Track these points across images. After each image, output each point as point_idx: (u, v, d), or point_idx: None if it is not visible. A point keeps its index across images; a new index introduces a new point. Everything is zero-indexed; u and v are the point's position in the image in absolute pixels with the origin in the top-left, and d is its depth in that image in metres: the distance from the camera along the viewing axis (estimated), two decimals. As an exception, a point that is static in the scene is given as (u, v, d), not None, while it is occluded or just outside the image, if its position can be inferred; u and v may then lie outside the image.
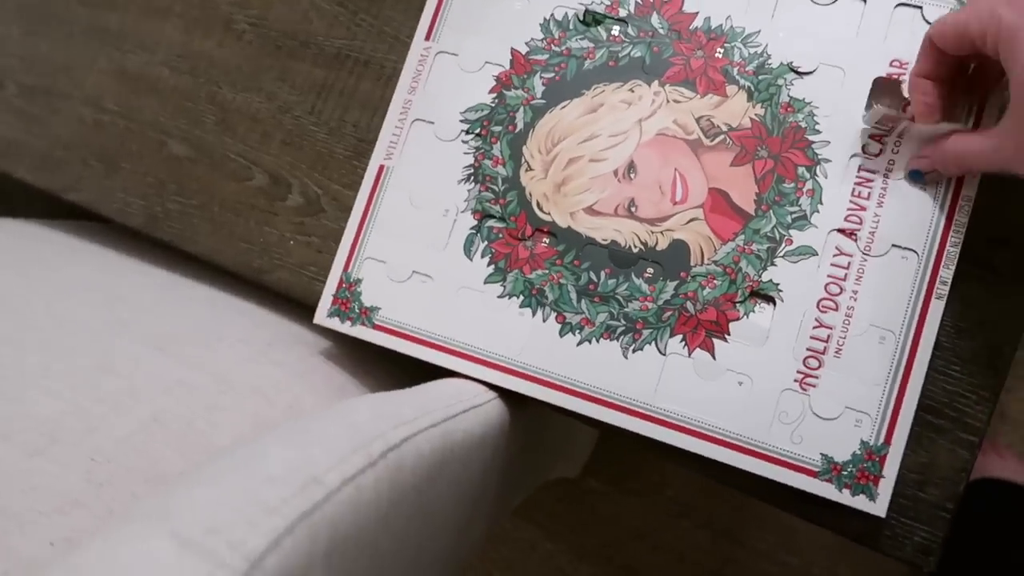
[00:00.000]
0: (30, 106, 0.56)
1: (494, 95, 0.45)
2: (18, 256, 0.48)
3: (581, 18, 0.45)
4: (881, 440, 0.38)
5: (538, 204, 0.44)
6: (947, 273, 0.39)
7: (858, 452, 0.38)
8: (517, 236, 0.44)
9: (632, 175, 0.43)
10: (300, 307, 0.49)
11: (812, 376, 0.39)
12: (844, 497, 0.38)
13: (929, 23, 0.40)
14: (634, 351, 0.41)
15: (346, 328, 0.45)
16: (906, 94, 0.40)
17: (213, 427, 0.37)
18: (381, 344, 0.44)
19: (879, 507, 0.38)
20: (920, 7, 0.41)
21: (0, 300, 0.40)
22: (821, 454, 0.38)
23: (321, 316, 0.45)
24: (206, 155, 0.51)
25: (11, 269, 0.45)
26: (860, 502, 0.38)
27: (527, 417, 0.48)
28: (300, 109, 0.50)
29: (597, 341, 0.42)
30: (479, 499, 0.45)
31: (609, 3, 0.45)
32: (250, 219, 0.50)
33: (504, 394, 0.43)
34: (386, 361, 0.51)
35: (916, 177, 0.39)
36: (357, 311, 0.45)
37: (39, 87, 0.56)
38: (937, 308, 0.38)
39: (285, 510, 0.21)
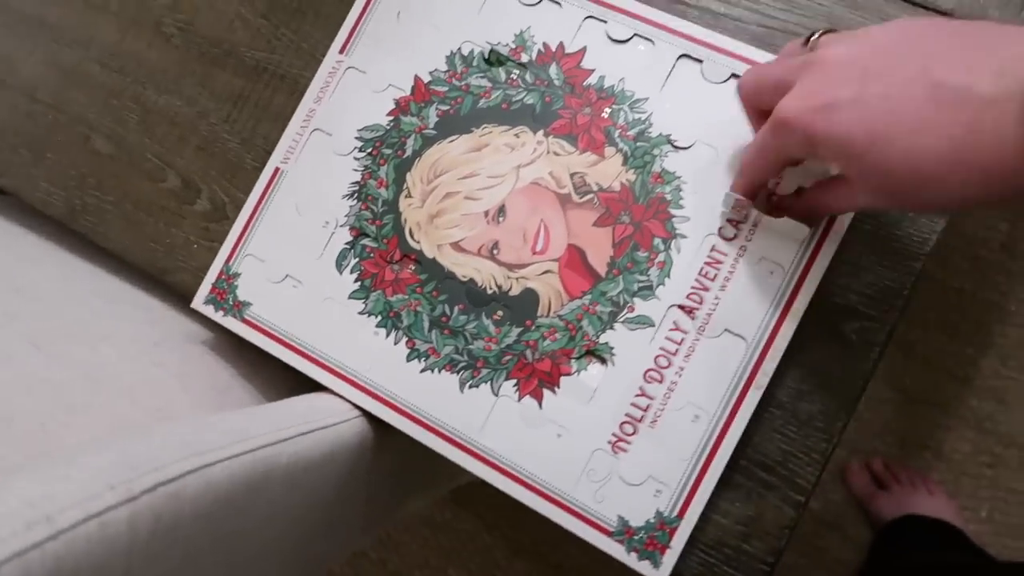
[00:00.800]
0: (-33, 91, 0.58)
1: (391, 118, 0.47)
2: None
3: (486, 56, 0.46)
4: (675, 513, 0.40)
5: (411, 231, 0.45)
6: (770, 366, 0.40)
7: (652, 520, 0.40)
8: (386, 258, 0.45)
9: (501, 218, 0.44)
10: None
11: (625, 441, 0.41)
12: (631, 560, 0.40)
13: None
14: (470, 387, 0.43)
15: (218, 317, 0.47)
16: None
17: (65, 428, 0.38)
18: (247, 338, 0.47)
19: (661, 574, 0.39)
20: None
21: None
22: (618, 516, 0.40)
23: (198, 302, 0.48)
24: (126, 153, 0.54)
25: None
26: (644, 567, 0.40)
27: (392, 441, 0.49)
28: (216, 116, 0.52)
29: (439, 372, 0.44)
30: (332, 511, 0.47)
31: (514, 47, 0.46)
32: (160, 220, 0.52)
33: (369, 417, 0.45)
34: (276, 368, 0.53)
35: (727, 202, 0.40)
36: (231, 303, 0.47)
37: (-23, 73, 0.58)
38: (753, 397, 0.40)
39: (2, 547, 0.23)
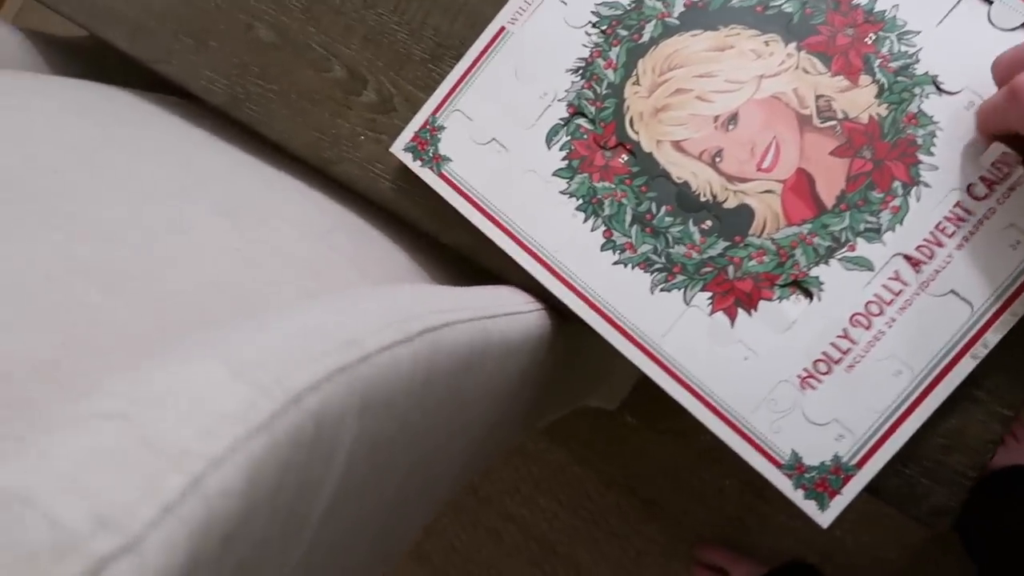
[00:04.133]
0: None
1: (634, -1, 0.45)
2: (104, 116, 0.48)
3: (751, -47, 0.43)
4: (854, 461, 0.39)
5: (631, 120, 0.44)
6: (993, 338, 0.38)
7: (827, 463, 0.39)
8: (600, 143, 0.44)
9: (731, 126, 0.42)
10: (364, 202, 0.50)
11: (815, 378, 0.39)
12: (796, 496, 0.39)
13: None
14: (662, 290, 0.42)
15: (415, 167, 0.47)
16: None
17: (265, 297, 0.38)
18: (439, 192, 0.46)
19: (825, 519, 0.39)
20: None
21: (82, 153, 0.41)
22: (793, 450, 0.39)
23: (398, 147, 0.47)
24: (290, 42, 0.52)
25: (98, 126, 0.45)
26: (810, 507, 0.39)
27: (568, 336, 0.49)
28: (384, 7, 0.50)
29: (632, 268, 0.43)
30: (512, 402, 0.48)
31: (784, -52, 0.43)
32: (325, 110, 0.51)
33: (548, 310, 0.45)
34: (445, 260, 0.53)
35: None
36: (431, 155, 0.46)
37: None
38: (967, 366, 0.38)
39: (326, 360, 0.23)
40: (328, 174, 0.51)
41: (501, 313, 0.40)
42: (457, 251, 0.48)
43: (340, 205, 0.52)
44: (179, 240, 0.37)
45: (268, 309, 0.36)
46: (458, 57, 0.48)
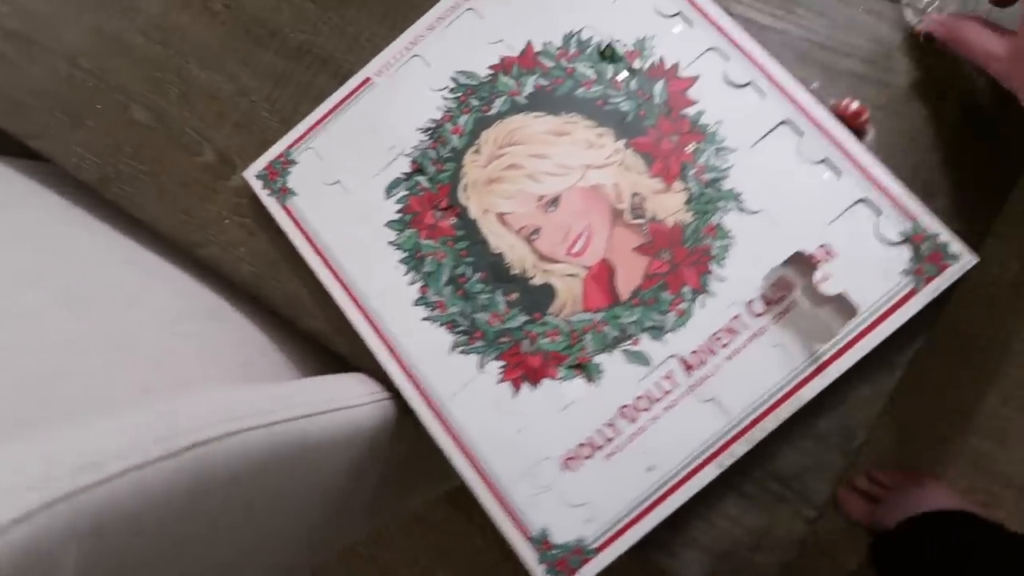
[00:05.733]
0: (9, 51, 0.57)
1: (491, 72, 0.47)
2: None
3: (602, 49, 0.46)
4: (595, 546, 0.40)
5: (465, 186, 0.46)
6: (739, 449, 0.40)
7: (571, 543, 0.41)
8: (433, 203, 0.46)
9: (552, 208, 0.44)
10: (227, 285, 0.52)
11: (578, 460, 0.42)
12: (539, 570, 0.41)
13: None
14: (460, 352, 0.44)
15: (263, 195, 0.49)
16: (815, 279, 0.40)
17: (90, 391, 0.37)
18: (280, 224, 0.48)
19: None
20: (878, 214, 0.40)
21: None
22: (543, 527, 0.41)
23: (250, 174, 0.49)
24: (164, 125, 0.54)
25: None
26: None
27: (407, 431, 0.49)
28: (257, 95, 0.52)
29: (438, 326, 0.45)
30: (349, 495, 0.48)
31: (632, 50, 0.45)
32: (194, 193, 0.53)
33: (395, 399, 0.46)
34: (297, 345, 0.54)
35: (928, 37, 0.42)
36: (279, 187, 0.49)
37: (21, 33, 0.57)
38: (710, 473, 0.40)
39: (47, 488, 0.24)
40: (193, 256, 0.52)
41: (328, 409, 0.41)
42: (313, 338, 0.50)
43: (205, 287, 0.53)
44: (10, 329, 0.38)
45: (92, 403, 0.37)
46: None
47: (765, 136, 0.43)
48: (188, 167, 0.53)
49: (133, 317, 0.45)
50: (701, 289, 0.42)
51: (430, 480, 0.66)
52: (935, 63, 0.44)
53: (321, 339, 0.49)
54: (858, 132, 0.43)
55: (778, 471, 0.42)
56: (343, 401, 0.43)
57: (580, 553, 0.40)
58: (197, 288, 0.53)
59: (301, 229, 0.48)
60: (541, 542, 0.41)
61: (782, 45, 0.45)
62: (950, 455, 1.06)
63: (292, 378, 0.51)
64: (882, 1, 0.45)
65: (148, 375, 0.41)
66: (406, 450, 0.52)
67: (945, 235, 0.40)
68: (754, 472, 0.42)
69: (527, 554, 0.41)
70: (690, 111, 0.44)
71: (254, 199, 0.50)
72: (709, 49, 0.44)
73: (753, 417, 0.40)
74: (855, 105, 0.43)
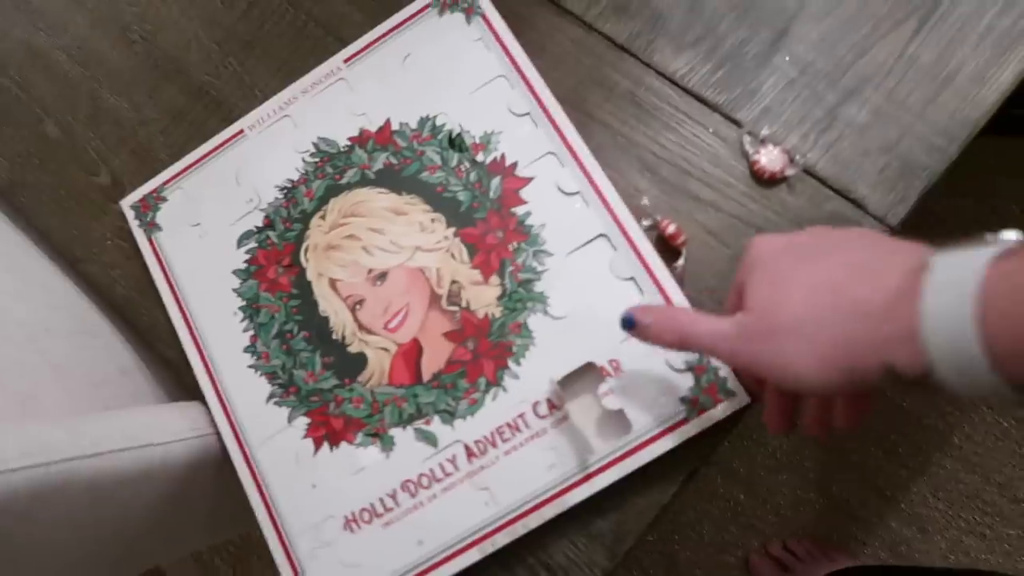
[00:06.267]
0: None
1: (349, 143, 0.49)
2: None
3: (452, 137, 0.48)
4: None
5: (307, 248, 0.49)
6: (502, 540, 0.42)
7: (337, 599, 0.43)
8: (277, 259, 0.49)
9: (379, 283, 0.47)
10: (106, 304, 0.55)
11: (358, 523, 0.44)
12: None
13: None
14: (275, 403, 0.47)
15: (134, 225, 0.52)
16: (600, 391, 0.42)
17: None
18: (144, 255, 0.51)
19: None
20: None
21: None
22: (317, 578, 0.44)
23: (126, 203, 0.53)
24: (71, 142, 0.57)
25: None
26: None
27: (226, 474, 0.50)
28: (156, 127, 0.56)
29: (260, 374, 0.48)
30: (151, 527, 0.50)
31: (478, 142, 0.47)
32: (86, 211, 0.56)
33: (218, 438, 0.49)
34: (157, 370, 0.57)
35: (627, 324, 0.37)
36: (148, 220, 0.52)
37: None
38: (471, 557, 0.42)
39: None
40: (75, 270, 0.56)
41: (125, 447, 0.43)
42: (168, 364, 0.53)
43: (81, 299, 0.56)
44: None
45: None
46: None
47: (583, 246, 0.45)
48: (85, 186, 0.57)
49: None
50: (496, 383, 0.44)
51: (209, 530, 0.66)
52: (765, 203, 0.45)
53: (172, 368, 0.52)
54: (675, 252, 0.45)
55: (550, 561, 0.44)
56: (157, 437, 0.46)
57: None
58: (75, 302, 0.56)
59: (160, 263, 0.51)
60: None
61: (628, 153, 0.47)
62: (870, 537, 1.07)
63: (148, 400, 0.54)
64: (730, 127, 0.47)
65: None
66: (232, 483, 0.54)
67: (725, 371, 0.41)
68: (528, 559, 0.44)
69: None
70: (519, 210, 0.46)
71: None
72: (548, 153, 0.46)
73: (520, 512, 0.42)
74: (672, 228, 0.44)
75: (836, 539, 1.08)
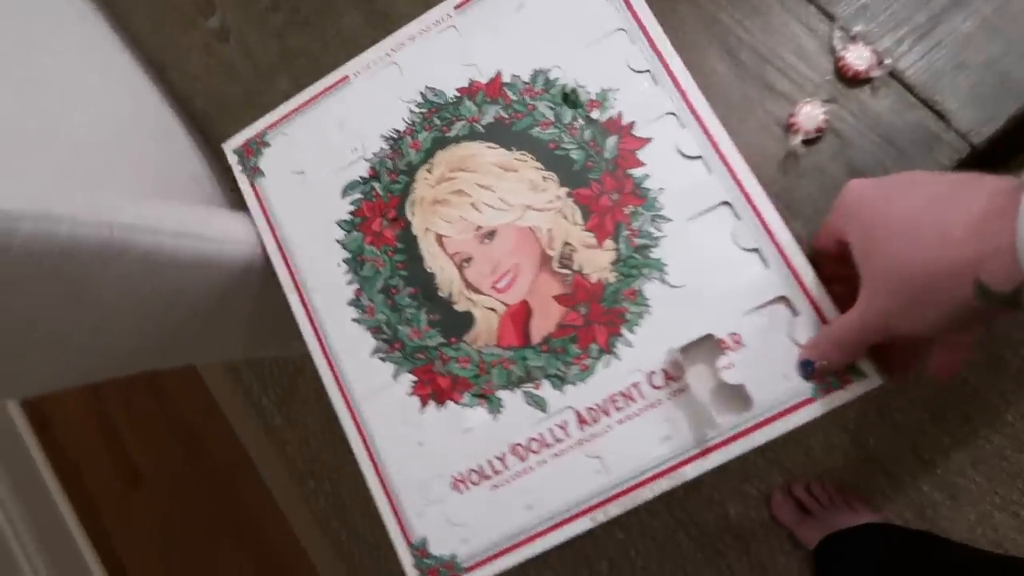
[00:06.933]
0: None
1: (458, 95, 0.48)
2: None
3: (566, 92, 0.46)
4: (467, 565, 0.44)
5: (413, 202, 0.47)
6: (614, 510, 0.42)
7: (445, 557, 0.44)
8: (382, 212, 0.48)
9: (487, 241, 0.46)
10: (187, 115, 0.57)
11: (465, 484, 0.44)
12: (412, 572, 0.44)
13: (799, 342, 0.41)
14: (379, 358, 0.47)
15: (236, 170, 0.51)
16: (719, 364, 0.41)
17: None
18: (247, 201, 0.51)
19: None
20: (795, 315, 0.41)
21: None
22: (424, 536, 0.44)
23: (229, 147, 0.52)
24: None
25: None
26: None
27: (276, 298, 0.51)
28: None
29: (364, 329, 0.47)
30: (190, 320, 0.52)
31: (594, 99, 0.45)
32: (177, 23, 0.57)
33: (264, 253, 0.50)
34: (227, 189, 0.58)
35: (806, 368, 0.40)
36: (251, 166, 0.51)
37: None
38: (582, 525, 0.42)
39: None
40: (163, 77, 0.57)
41: (197, 234, 0.45)
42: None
43: (170, 110, 0.58)
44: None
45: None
46: (297, 23, 0.53)
47: (703, 213, 0.43)
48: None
49: (77, 109, 0.50)
50: (608, 350, 0.43)
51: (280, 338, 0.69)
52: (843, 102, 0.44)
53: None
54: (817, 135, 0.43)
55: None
56: (214, 234, 0.47)
57: (451, 568, 0.44)
58: (158, 107, 0.57)
59: (264, 210, 0.50)
60: (419, 549, 0.44)
61: (709, 32, 0.45)
62: (898, 495, 1.06)
63: (205, 200, 0.56)
64: (823, 20, 0.44)
65: (69, 161, 0.45)
66: (273, 313, 0.54)
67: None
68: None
69: (405, 557, 0.45)
70: (636, 172, 0.44)
71: (224, 43, 0.56)
72: (669, 113, 0.44)
73: (634, 483, 0.42)
74: (823, 116, 0.43)
75: (862, 490, 1.07)
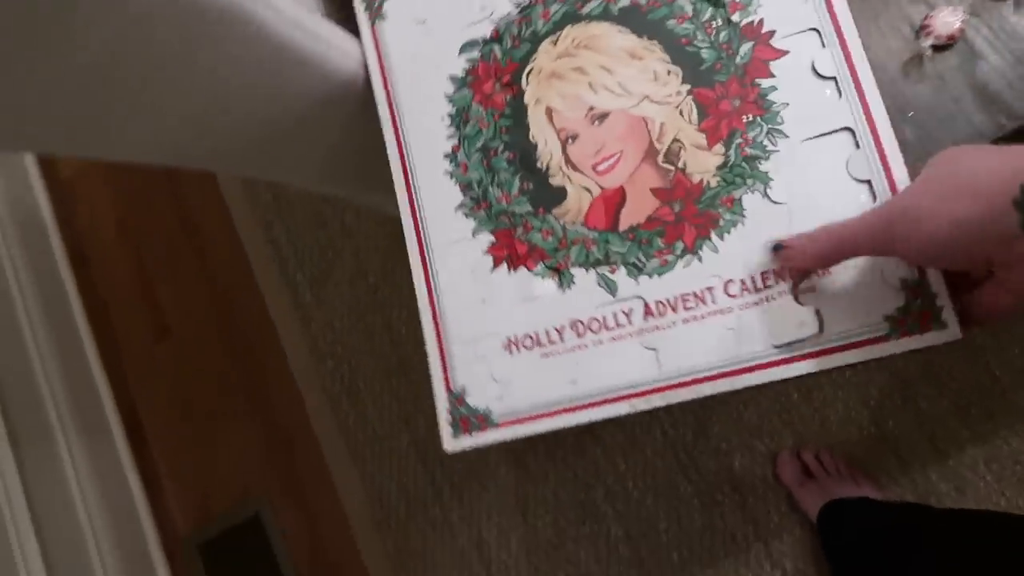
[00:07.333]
0: None
1: (599, -28, 0.47)
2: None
3: (712, -11, 0.45)
4: (499, 422, 0.44)
5: (530, 71, 0.47)
6: (659, 401, 0.42)
7: (479, 409, 0.45)
8: (497, 74, 0.48)
9: (597, 123, 0.45)
10: None
11: (517, 347, 0.45)
12: (444, 416, 0.45)
13: None
14: (463, 214, 0.47)
15: (359, 8, 0.51)
16: (801, 285, 0.41)
17: None
18: (363, 38, 0.51)
19: (449, 443, 0.45)
20: None
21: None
22: (465, 385, 0.45)
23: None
24: None
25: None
26: (446, 430, 0.45)
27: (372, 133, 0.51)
28: None
29: (454, 183, 0.48)
30: (281, 122, 0.51)
31: (738, 1, 0.44)
32: None
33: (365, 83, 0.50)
34: None
35: (776, 248, 0.41)
36: (376, 6, 0.51)
37: None
38: (620, 408, 0.42)
39: None
40: None
41: (313, 33, 0.45)
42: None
43: None
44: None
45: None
46: None
47: (822, 136, 0.42)
48: None
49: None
50: (692, 250, 0.43)
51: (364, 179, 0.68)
52: None
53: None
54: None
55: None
56: (330, 42, 0.46)
57: (483, 421, 0.45)
58: None
59: (378, 52, 0.51)
60: (457, 397, 0.45)
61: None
62: (904, 479, 1.04)
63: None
64: None
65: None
66: (360, 146, 0.54)
67: (944, 300, 0.39)
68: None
69: (442, 401, 0.45)
70: (764, 83, 0.43)
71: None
72: (812, 29, 0.43)
73: (680, 380, 0.42)
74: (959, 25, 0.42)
75: (869, 468, 1.06)
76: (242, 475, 1.44)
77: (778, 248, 0.40)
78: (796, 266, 0.40)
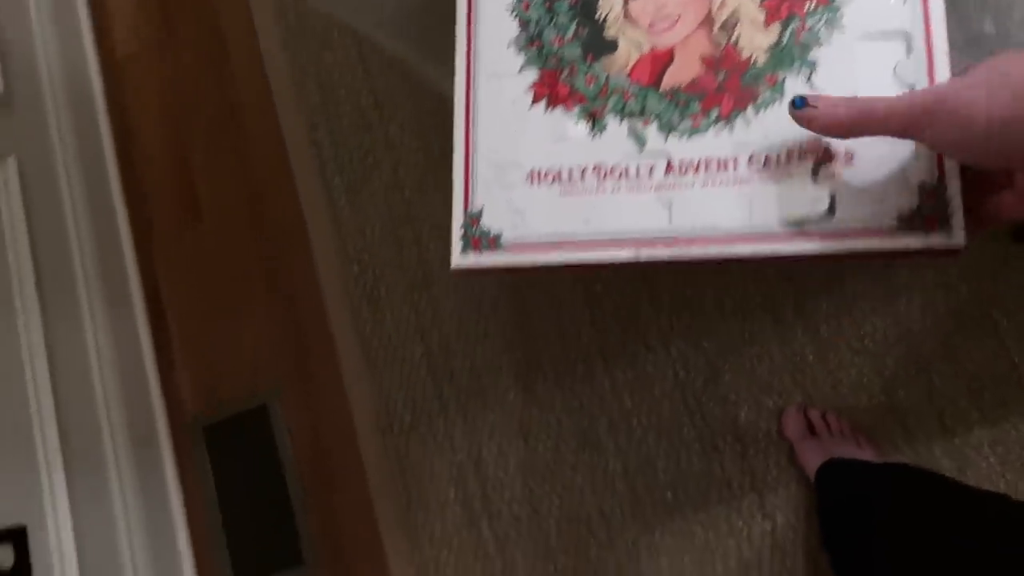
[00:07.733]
0: None
1: None
2: None
3: None
4: (507, 246, 0.46)
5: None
6: (660, 252, 0.43)
7: (491, 232, 0.46)
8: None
9: (662, -16, 0.46)
10: None
11: (539, 180, 0.46)
12: (457, 232, 0.47)
13: None
14: (518, 49, 0.48)
15: None
16: (821, 171, 0.42)
17: None
18: None
19: (457, 259, 0.47)
20: (916, 158, 0.41)
21: None
22: (482, 207, 0.47)
23: None
24: None
25: None
26: (457, 245, 0.47)
27: None
28: None
29: (514, 18, 0.49)
30: None
31: None
32: None
33: None
34: None
35: (798, 103, 0.39)
36: None
37: None
38: (624, 254, 0.44)
39: None
40: None
41: None
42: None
43: None
44: None
45: None
46: None
47: (878, 37, 0.43)
48: None
49: None
50: (727, 119, 0.44)
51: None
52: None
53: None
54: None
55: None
56: None
57: (493, 243, 0.46)
58: None
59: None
60: (473, 218, 0.47)
61: None
62: (907, 449, 1.06)
63: None
64: None
65: None
66: None
67: (956, 208, 0.40)
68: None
69: (458, 218, 0.47)
70: (832, -27, 0.44)
71: None
72: None
73: (687, 237, 0.43)
74: None
75: (875, 436, 1.07)
76: (255, 366, 1.47)
77: (799, 104, 0.39)
78: (816, 128, 0.39)
